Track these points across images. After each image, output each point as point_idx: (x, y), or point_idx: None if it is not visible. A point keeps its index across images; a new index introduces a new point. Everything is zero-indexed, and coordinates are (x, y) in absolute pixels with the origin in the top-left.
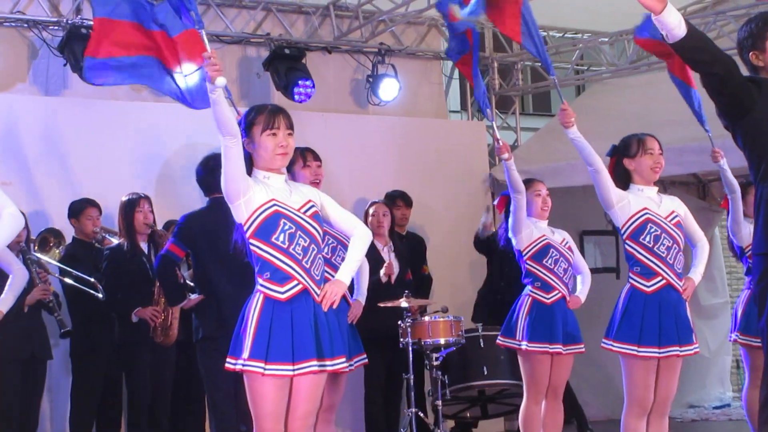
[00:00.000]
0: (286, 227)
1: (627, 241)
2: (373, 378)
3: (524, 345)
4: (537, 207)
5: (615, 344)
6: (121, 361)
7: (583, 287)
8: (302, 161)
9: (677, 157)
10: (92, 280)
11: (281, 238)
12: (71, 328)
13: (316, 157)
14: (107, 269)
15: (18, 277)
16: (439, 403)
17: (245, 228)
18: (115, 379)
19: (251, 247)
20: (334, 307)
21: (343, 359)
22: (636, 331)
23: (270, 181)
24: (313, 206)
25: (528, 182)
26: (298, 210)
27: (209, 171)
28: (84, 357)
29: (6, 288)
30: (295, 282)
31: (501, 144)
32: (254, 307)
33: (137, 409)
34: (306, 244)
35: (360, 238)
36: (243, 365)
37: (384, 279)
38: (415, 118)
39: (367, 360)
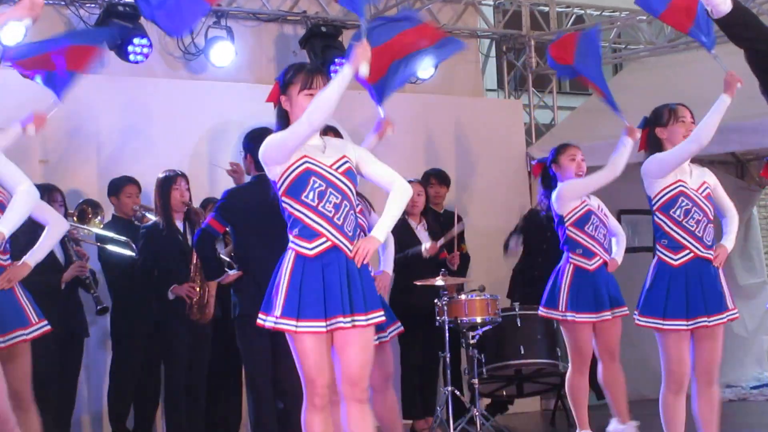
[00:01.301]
0: (316, 185)
1: (657, 213)
2: (410, 356)
3: (570, 316)
4: (571, 172)
5: (641, 318)
6: (158, 339)
7: (618, 249)
8: None
9: (716, 136)
10: (124, 239)
11: (311, 195)
12: (107, 305)
13: (337, 135)
14: (143, 247)
15: (53, 227)
16: (476, 381)
17: (278, 186)
18: (153, 357)
19: (283, 205)
20: (366, 262)
21: (381, 313)
22: (660, 305)
23: None
24: (346, 162)
25: (562, 147)
26: (330, 167)
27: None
28: (123, 336)
29: (41, 239)
30: (324, 239)
31: None
32: (286, 265)
33: (175, 387)
34: (338, 201)
35: (398, 192)
36: (275, 323)
37: (426, 255)
38: (451, 97)
39: (402, 328)
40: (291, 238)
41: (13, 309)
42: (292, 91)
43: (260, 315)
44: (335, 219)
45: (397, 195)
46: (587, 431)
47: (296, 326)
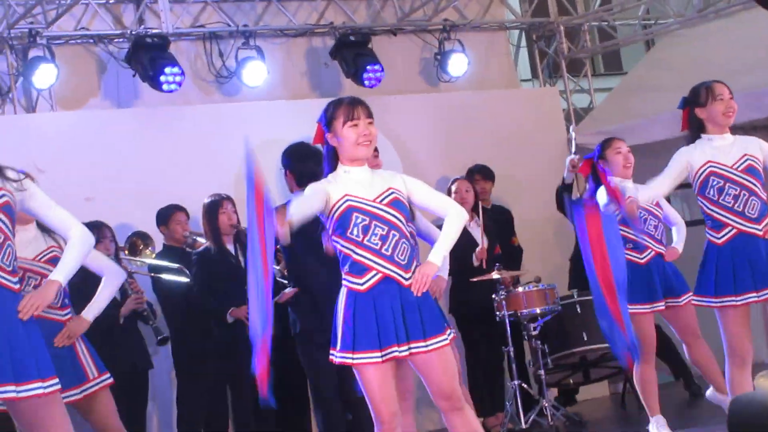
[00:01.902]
0: (359, 220)
1: (697, 197)
2: (473, 354)
3: (635, 309)
4: (619, 165)
5: (696, 298)
6: (222, 363)
7: (678, 237)
8: None
9: (756, 102)
10: (177, 266)
11: (355, 231)
12: (168, 335)
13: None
14: (197, 274)
15: (110, 277)
16: (542, 372)
17: (327, 227)
18: (219, 381)
19: (334, 243)
20: (426, 289)
21: (444, 337)
22: (711, 284)
23: (349, 174)
24: (392, 193)
25: (607, 141)
26: (374, 200)
27: (299, 160)
28: (186, 363)
29: (99, 291)
30: (374, 272)
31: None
32: (341, 302)
33: (243, 409)
34: (384, 233)
35: (453, 217)
36: (337, 357)
37: (476, 263)
38: (487, 91)
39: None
40: (343, 275)
41: (72, 365)
42: (336, 126)
43: (331, 351)
44: (383, 250)
45: (454, 219)
46: (659, 416)
47: (353, 358)
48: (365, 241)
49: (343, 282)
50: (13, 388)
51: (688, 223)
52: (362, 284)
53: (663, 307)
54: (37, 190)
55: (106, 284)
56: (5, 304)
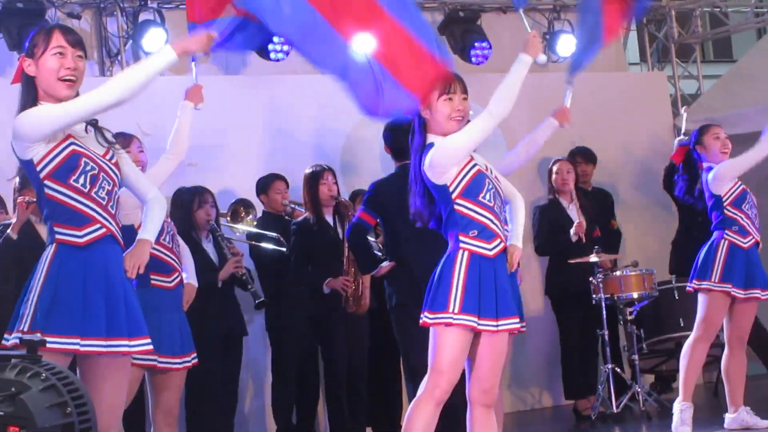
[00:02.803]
0: (490, 187)
1: None
2: (568, 336)
3: (718, 287)
4: (716, 151)
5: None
6: (316, 334)
7: None
8: None
9: None
10: (275, 235)
11: (488, 197)
12: (265, 299)
13: None
14: (295, 243)
15: (187, 257)
16: (636, 357)
17: (451, 190)
18: (312, 351)
19: (456, 207)
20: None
21: (517, 320)
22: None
23: None
24: (493, 170)
25: (705, 127)
26: (488, 170)
27: (393, 135)
28: (280, 332)
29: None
30: (499, 240)
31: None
32: (459, 264)
33: (335, 379)
34: (501, 204)
35: (521, 205)
36: (453, 319)
37: (575, 238)
38: (594, 73)
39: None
40: (465, 239)
41: (182, 335)
42: (431, 99)
43: (427, 314)
44: (500, 221)
45: (522, 207)
46: (689, 403)
47: (477, 323)
48: (495, 208)
49: (466, 246)
50: (126, 342)
51: None
52: (491, 250)
53: (760, 296)
54: (126, 154)
55: (188, 261)
56: (115, 254)
